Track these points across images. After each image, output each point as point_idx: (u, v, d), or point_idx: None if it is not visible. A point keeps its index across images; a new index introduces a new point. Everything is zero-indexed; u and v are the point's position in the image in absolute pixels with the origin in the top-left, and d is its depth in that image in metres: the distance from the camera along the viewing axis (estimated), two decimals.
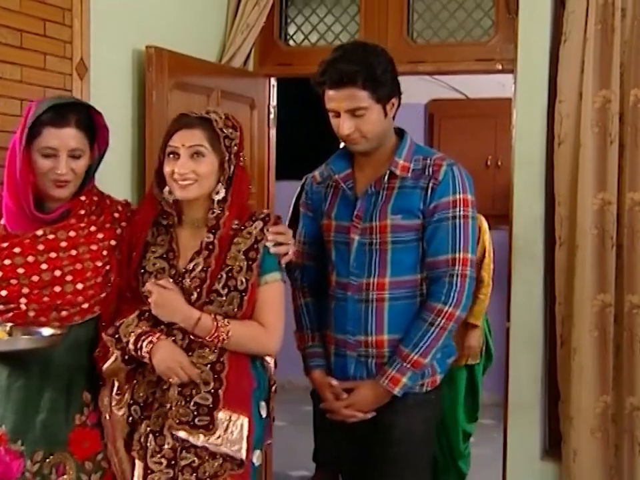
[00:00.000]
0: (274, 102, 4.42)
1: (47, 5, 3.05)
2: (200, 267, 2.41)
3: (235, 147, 2.46)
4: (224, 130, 2.44)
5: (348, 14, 4.33)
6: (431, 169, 2.66)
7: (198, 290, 2.40)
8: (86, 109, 2.51)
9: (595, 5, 3.60)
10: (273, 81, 4.41)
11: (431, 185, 2.64)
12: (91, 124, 2.50)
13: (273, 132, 4.44)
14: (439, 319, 2.62)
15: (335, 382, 2.74)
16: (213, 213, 2.42)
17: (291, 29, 4.44)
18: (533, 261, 3.83)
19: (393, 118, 2.73)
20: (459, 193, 2.65)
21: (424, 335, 2.63)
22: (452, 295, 2.63)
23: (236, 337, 2.39)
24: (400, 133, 2.78)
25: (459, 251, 2.64)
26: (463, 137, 6.34)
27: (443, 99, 6.46)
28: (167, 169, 2.42)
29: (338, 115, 2.62)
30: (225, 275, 2.40)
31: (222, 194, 2.43)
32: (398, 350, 2.66)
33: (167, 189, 2.45)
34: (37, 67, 3.02)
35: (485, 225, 4.46)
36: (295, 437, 4.55)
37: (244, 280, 2.40)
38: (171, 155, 2.41)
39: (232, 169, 2.44)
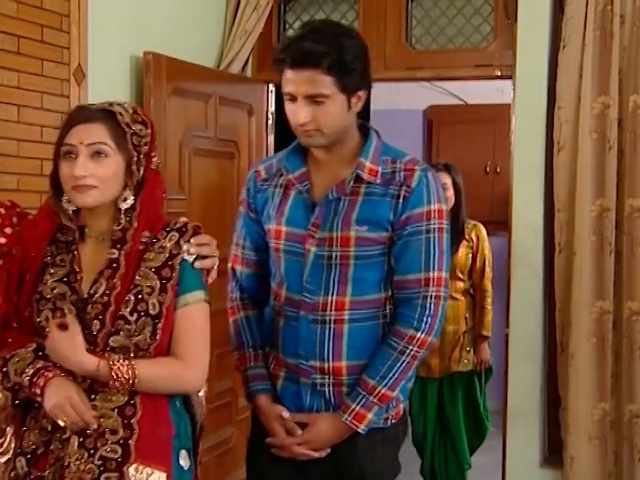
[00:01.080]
0: (272, 108, 4.41)
1: (44, 10, 3.04)
2: (102, 289, 1.99)
3: (146, 147, 2.06)
4: (131, 126, 2.04)
5: (346, 19, 4.33)
6: (402, 174, 2.31)
7: (100, 317, 1.98)
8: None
9: (593, 11, 3.60)
10: (271, 87, 4.40)
11: (402, 192, 2.29)
12: None
13: (271, 138, 4.43)
14: (410, 347, 2.30)
15: (286, 414, 2.36)
16: (119, 224, 2.02)
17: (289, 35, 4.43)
18: (532, 267, 3.82)
19: (364, 117, 2.45)
20: (434, 202, 2.31)
21: (393, 365, 2.30)
22: (424, 319, 2.30)
23: (145, 381, 1.96)
24: (364, 131, 2.41)
25: (433, 269, 2.30)
26: (461, 143, 6.33)
27: (441, 105, 6.45)
28: (62, 172, 2.01)
29: (294, 99, 2.26)
30: (133, 298, 1.99)
31: (130, 201, 2.03)
32: (362, 381, 2.31)
33: (65, 197, 2.05)
34: (34, 72, 3.01)
35: (484, 232, 4.40)
36: None
37: (156, 303, 1.99)
38: (67, 155, 2.01)
39: (142, 172, 2.05)
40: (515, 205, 3.84)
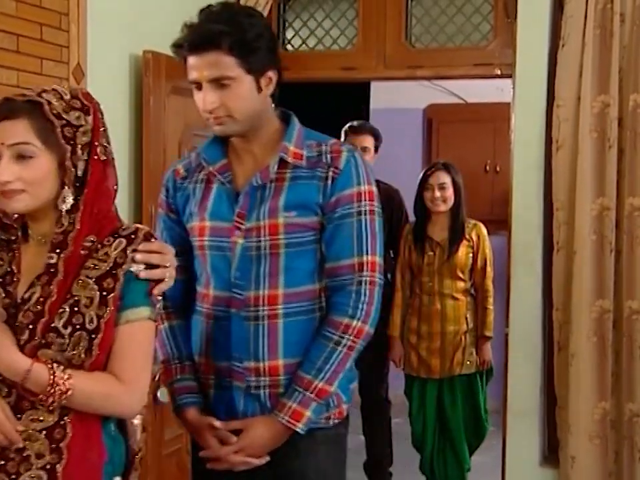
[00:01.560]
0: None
1: (43, 9, 3.03)
2: (37, 296, 1.78)
3: (85, 136, 1.82)
4: (62, 116, 1.79)
5: (346, 18, 4.32)
6: (328, 156, 2.20)
7: (31, 327, 1.76)
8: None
9: (593, 10, 3.60)
10: None
11: (330, 174, 2.18)
12: None
13: None
14: (346, 337, 2.14)
15: (217, 422, 2.19)
16: (61, 226, 1.80)
17: (289, 34, 4.43)
18: (532, 266, 3.82)
19: (277, 102, 2.31)
20: (364, 184, 2.20)
21: (329, 357, 2.14)
22: (360, 306, 2.16)
23: (81, 394, 1.74)
24: (285, 117, 2.30)
25: (366, 253, 2.18)
26: (461, 141, 6.33)
27: (441, 104, 6.45)
28: None
29: (200, 86, 2.14)
30: (68, 309, 1.76)
31: (69, 201, 1.80)
32: (298, 377, 2.15)
33: None
34: (33, 71, 3.00)
35: (484, 231, 4.35)
36: None
37: (94, 317, 1.76)
38: None
39: (82, 166, 1.81)
40: (515, 204, 3.84)
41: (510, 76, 3.88)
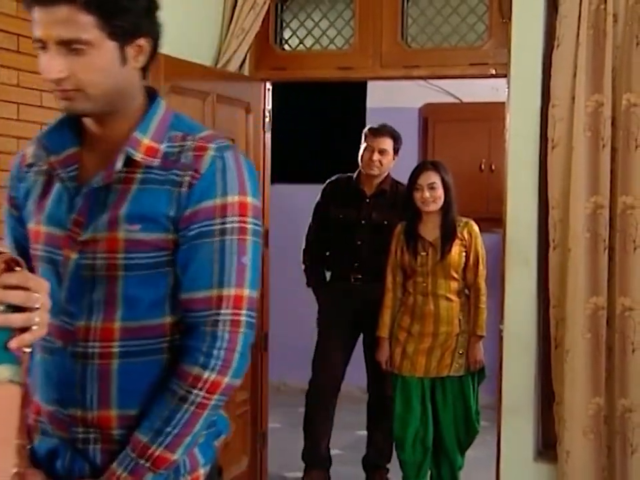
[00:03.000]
0: (269, 106, 4.44)
1: None
2: None
3: None
4: None
5: (343, 19, 4.36)
6: (190, 155, 1.67)
7: None
8: None
9: (587, 10, 3.64)
10: (269, 85, 4.43)
11: (187, 178, 1.66)
12: None
13: (268, 136, 4.46)
14: (195, 392, 1.64)
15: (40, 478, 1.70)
16: None
17: (286, 34, 4.47)
18: (527, 264, 3.86)
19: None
20: (233, 193, 1.67)
21: (171, 416, 1.64)
22: (215, 353, 1.64)
23: None
24: (151, 96, 1.76)
25: (229, 284, 1.66)
26: (457, 140, 6.36)
27: (437, 103, 6.48)
28: None
29: (45, 47, 1.61)
30: None
31: None
32: (133, 438, 1.65)
33: None
34: (33, 71, 3.02)
35: (476, 229, 4.21)
36: (289, 439, 4.57)
37: None
38: None
39: None
40: (510, 202, 3.88)
41: (505, 76, 3.92)
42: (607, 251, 3.66)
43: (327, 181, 4.73)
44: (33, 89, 3.03)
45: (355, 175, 4.62)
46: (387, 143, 4.51)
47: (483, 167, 6.31)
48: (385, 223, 4.44)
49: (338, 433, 4.68)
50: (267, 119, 4.43)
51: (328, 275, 4.73)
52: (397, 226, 4.27)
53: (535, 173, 3.85)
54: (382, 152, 4.48)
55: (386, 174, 4.56)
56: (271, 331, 4.53)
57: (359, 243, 4.49)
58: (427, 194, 4.13)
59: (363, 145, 4.54)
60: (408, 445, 4.21)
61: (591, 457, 3.69)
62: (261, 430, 4.46)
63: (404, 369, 4.18)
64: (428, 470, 4.29)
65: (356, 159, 4.59)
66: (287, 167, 4.46)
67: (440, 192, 4.14)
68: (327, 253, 4.70)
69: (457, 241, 4.15)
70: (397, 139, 4.56)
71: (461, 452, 4.30)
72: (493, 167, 6.23)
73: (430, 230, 4.19)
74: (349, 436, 5.06)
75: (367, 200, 4.55)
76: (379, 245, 4.31)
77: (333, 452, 4.65)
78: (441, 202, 4.15)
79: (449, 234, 4.14)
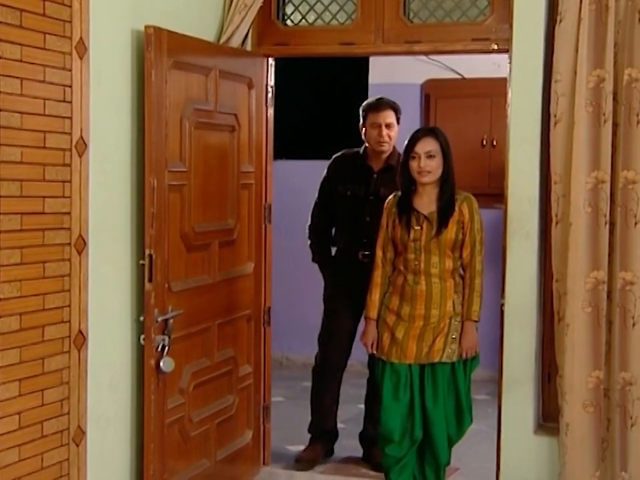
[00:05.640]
0: (272, 81, 4.45)
1: None
2: None
3: None
4: None
5: None
6: None
7: None
8: None
9: None
10: (271, 61, 4.43)
11: None
12: None
13: (271, 111, 4.47)
14: None
15: None
16: None
17: (289, 9, 4.46)
18: (528, 239, 3.88)
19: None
20: None
21: None
22: None
23: None
24: None
25: None
26: (458, 116, 6.36)
27: (439, 79, 6.47)
28: None
29: None
30: None
31: None
32: None
33: None
34: (36, 46, 3.03)
35: (476, 204, 3.84)
36: (292, 412, 4.61)
37: None
38: None
39: None
40: (511, 177, 3.90)
41: (507, 51, 3.92)
42: (607, 225, 3.68)
43: (334, 157, 4.71)
44: (36, 64, 3.03)
45: (361, 150, 4.60)
46: (391, 116, 4.48)
47: (484, 142, 6.32)
48: None
49: (340, 406, 4.71)
50: (270, 95, 4.43)
51: (334, 250, 4.72)
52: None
53: (537, 148, 3.87)
54: (388, 126, 4.46)
55: (392, 148, 4.53)
56: (273, 306, 4.56)
57: (367, 219, 4.42)
58: (423, 163, 3.76)
59: (367, 122, 4.50)
60: (396, 440, 3.89)
61: (590, 429, 3.72)
62: (264, 403, 4.50)
63: (393, 356, 3.83)
64: (410, 462, 3.96)
65: (358, 135, 4.59)
66: (290, 142, 4.45)
67: (438, 161, 3.78)
68: (334, 229, 4.68)
69: (455, 216, 3.79)
70: (397, 109, 4.54)
71: (449, 446, 3.95)
72: (495, 143, 6.24)
73: (425, 203, 3.82)
74: (351, 409, 5.09)
75: (375, 175, 4.51)
76: None
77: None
78: (439, 172, 3.79)
79: (446, 208, 3.78)
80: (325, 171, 4.68)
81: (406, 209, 3.83)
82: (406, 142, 3.86)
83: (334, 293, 4.64)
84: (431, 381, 3.85)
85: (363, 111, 4.55)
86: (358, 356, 4.50)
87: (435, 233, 3.78)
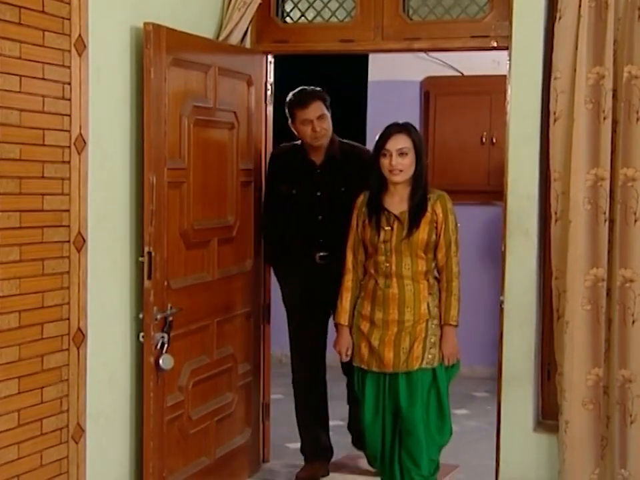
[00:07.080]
0: (271, 79, 4.45)
1: None
2: None
3: None
4: None
5: None
6: None
7: None
8: None
9: None
10: (270, 58, 4.43)
11: None
12: None
13: (270, 108, 4.47)
14: None
15: None
16: None
17: (288, 6, 4.46)
18: (527, 236, 3.88)
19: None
20: None
21: None
22: None
23: None
24: None
25: None
26: (458, 113, 6.37)
27: (438, 76, 6.47)
28: None
29: None
30: None
31: None
32: None
33: None
34: (35, 43, 3.03)
35: (450, 204, 3.68)
36: (292, 410, 4.59)
37: None
38: None
39: None
40: (511, 174, 3.90)
41: (506, 48, 3.92)
42: (607, 222, 3.68)
43: (271, 154, 4.39)
44: (35, 61, 3.03)
45: (300, 144, 4.26)
46: (320, 107, 4.15)
47: (484, 139, 6.32)
48: (343, 190, 4.09)
49: (334, 404, 4.61)
50: (269, 92, 4.43)
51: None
52: (358, 189, 3.77)
53: (536, 145, 3.87)
54: (320, 118, 4.13)
55: (330, 137, 4.20)
56: (272, 304, 4.55)
57: (320, 217, 4.17)
58: (395, 161, 3.58)
59: (297, 120, 4.16)
60: (379, 459, 3.82)
61: (590, 427, 3.72)
62: (263, 401, 4.51)
63: (374, 365, 3.68)
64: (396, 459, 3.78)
65: (358, 132, 4.57)
66: (289, 139, 4.43)
67: (411, 159, 3.61)
68: (288, 230, 4.29)
69: (427, 216, 3.64)
70: (324, 98, 4.19)
71: (429, 456, 3.73)
72: (494, 140, 6.24)
73: (396, 202, 3.66)
74: (346, 406, 5.05)
75: (318, 170, 4.22)
76: (343, 215, 3.83)
77: (331, 423, 4.53)
78: (411, 171, 3.62)
79: (417, 207, 3.62)
80: (267, 169, 4.37)
81: (376, 209, 3.67)
82: (377, 137, 3.69)
83: (293, 300, 4.33)
84: (406, 384, 3.67)
85: (289, 109, 4.22)
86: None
87: (406, 233, 3.62)
